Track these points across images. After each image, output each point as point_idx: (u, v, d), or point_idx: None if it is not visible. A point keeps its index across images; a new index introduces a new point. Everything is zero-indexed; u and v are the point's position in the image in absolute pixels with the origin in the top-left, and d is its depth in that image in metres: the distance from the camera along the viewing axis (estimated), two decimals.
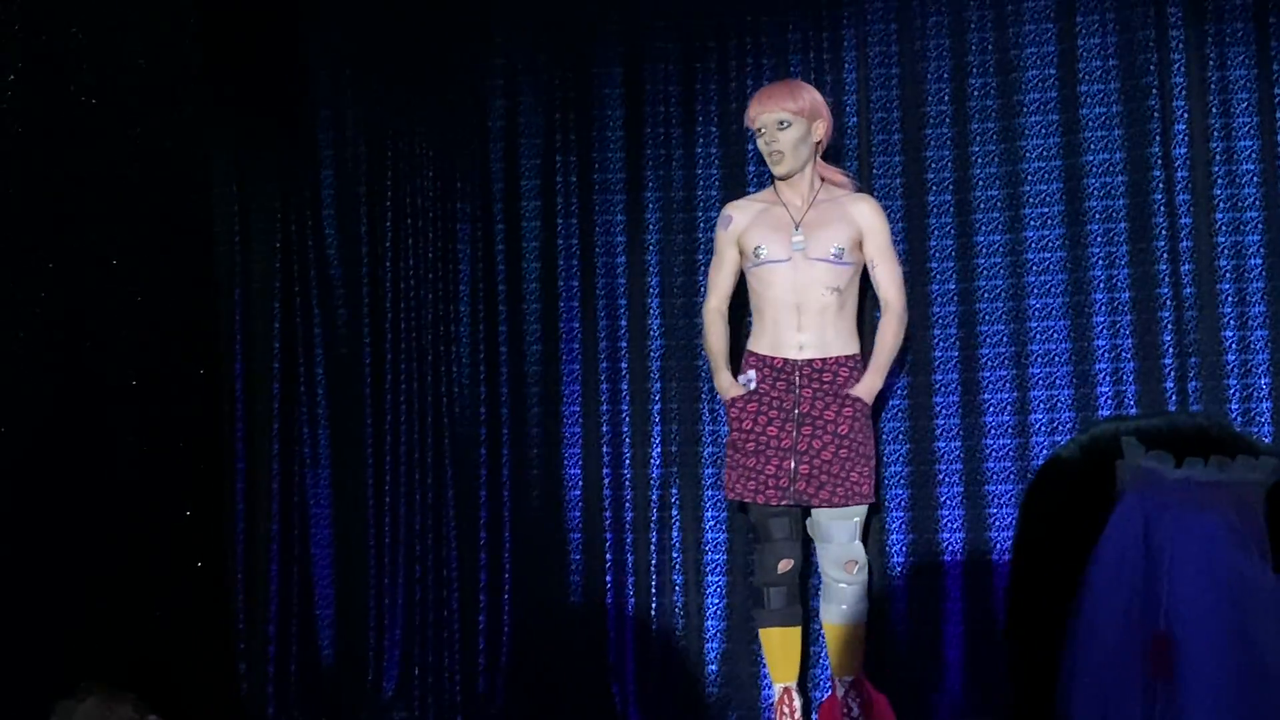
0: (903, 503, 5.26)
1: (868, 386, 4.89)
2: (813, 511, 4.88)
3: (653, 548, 5.47)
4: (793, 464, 4.81)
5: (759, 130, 4.92)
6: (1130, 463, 1.26)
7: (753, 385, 4.90)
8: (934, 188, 5.31)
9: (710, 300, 5.09)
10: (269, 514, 5.84)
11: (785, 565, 4.88)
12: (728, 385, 4.95)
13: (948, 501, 5.22)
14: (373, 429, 5.78)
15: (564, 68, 5.69)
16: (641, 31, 5.63)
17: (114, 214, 5.24)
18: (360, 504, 5.79)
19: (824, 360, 4.85)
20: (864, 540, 4.96)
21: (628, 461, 5.54)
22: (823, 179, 4.98)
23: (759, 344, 4.93)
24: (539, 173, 5.71)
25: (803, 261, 4.85)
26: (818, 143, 4.93)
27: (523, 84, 5.74)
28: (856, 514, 4.86)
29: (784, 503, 4.84)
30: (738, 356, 5.06)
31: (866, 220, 4.92)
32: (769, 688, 5.19)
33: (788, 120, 4.87)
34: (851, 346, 4.91)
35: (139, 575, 5.20)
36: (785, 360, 4.86)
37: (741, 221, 4.99)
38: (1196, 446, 1.28)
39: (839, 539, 4.84)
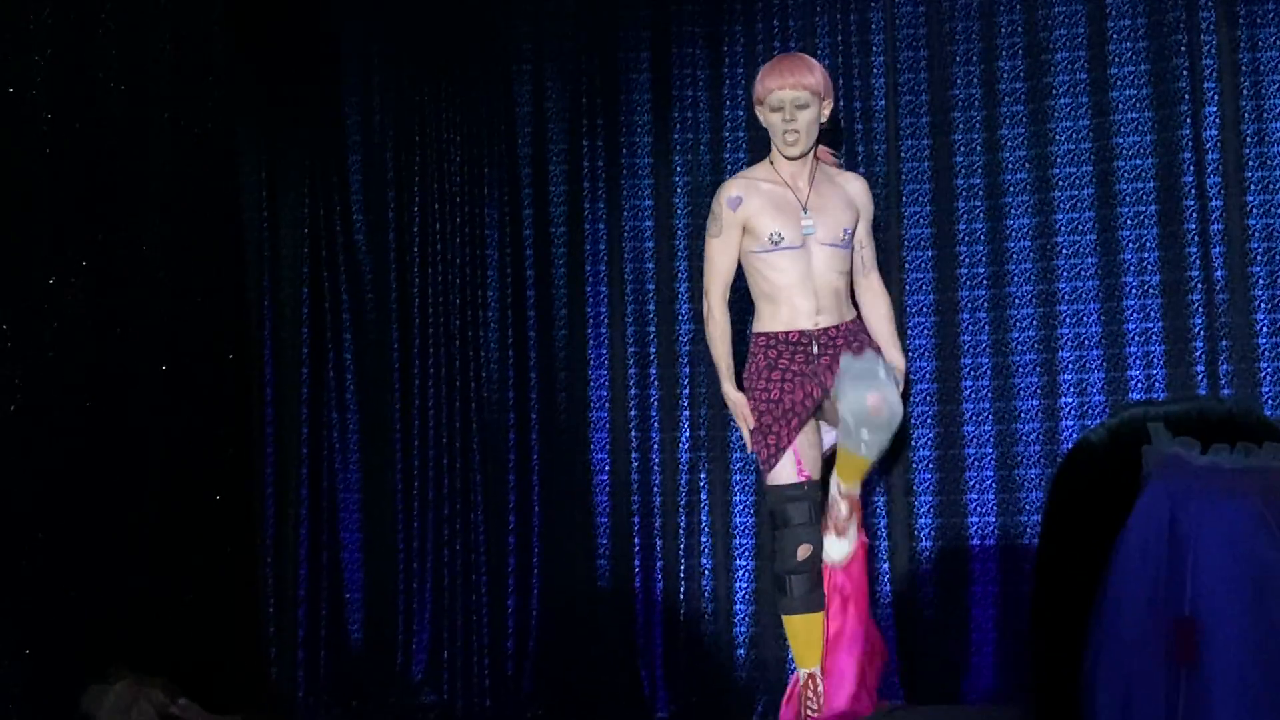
0: (931, 486, 5.25)
1: (900, 362, 4.86)
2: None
3: (681, 532, 5.47)
4: (818, 411, 4.74)
5: (774, 106, 4.76)
6: (1157, 449, 1.26)
7: (737, 208, 4.74)
8: (963, 171, 5.29)
9: (715, 290, 4.84)
10: (298, 498, 5.86)
11: (805, 551, 4.70)
12: (737, 398, 4.80)
13: (977, 485, 5.21)
14: (401, 414, 5.80)
15: (591, 52, 5.69)
16: (668, 14, 5.62)
17: (143, 201, 5.26)
18: (389, 489, 5.80)
19: (837, 327, 4.76)
20: (889, 511, 5.00)
21: (656, 446, 5.54)
22: (816, 157, 4.90)
23: (770, 324, 4.78)
24: (566, 157, 5.71)
25: (815, 246, 4.75)
26: (823, 122, 4.86)
27: (549, 68, 5.74)
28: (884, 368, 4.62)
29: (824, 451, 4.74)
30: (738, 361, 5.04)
31: (861, 200, 4.89)
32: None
33: (806, 99, 4.74)
34: (853, 311, 4.86)
35: (169, 560, 5.22)
36: (801, 332, 4.73)
37: (752, 203, 4.77)
38: (1224, 433, 1.28)
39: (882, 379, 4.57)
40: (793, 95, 4.73)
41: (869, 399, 4.49)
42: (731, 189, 4.82)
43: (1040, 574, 1.38)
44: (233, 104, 5.75)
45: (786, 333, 4.74)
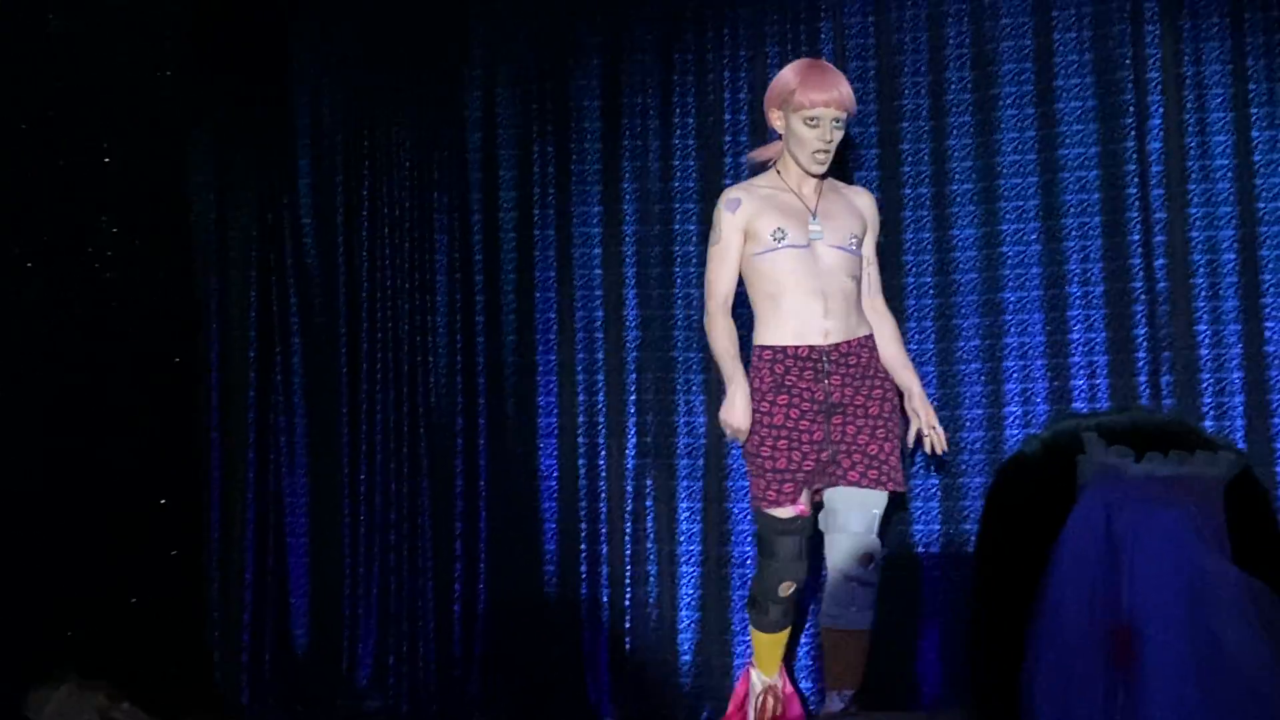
0: None
1: (914, 386, 4.69)
2: (827, 498, 4.58)
3: (627, 539, 5.48)
4: (827, 454, 4.49)
5: (809, 120, 4.50)
6: (1092, 458, 1.28)
7: (736, 210, 4.54)
8: (910, 181, 5.32)
9: (717, 296, 4.59)
10: (244, 503, 5.84)
11: (787, 588, 4.55)
12: (744, 408, 4.48)
13: (921, 493, 5.24)
14: (348, 419, 5.78)
15: (541, 58, 5.69)
16: (619, 22, 5.63)
17: (92, 203, 5.23)
18: (335, 493, 5.79)
19: (849, 343, 4.54)
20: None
21: (603, 453, 5.54)
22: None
23: (775, 335, 4.52)
24: (516, 163, 5.71)
25: (823, 248, 4.54)
26: None
27: (500, 74, 5.74)
28: (878, 504, 4.53)
29: (815, 489, 4.54)
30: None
31: (869, 214, 4.75)
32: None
33: (843, 120, 4.55)
34: (867, 327, 4.64)
35: (114, 564, 5.19)
36: (811, 348, 4.49)
37: (751, 206, 4.55)
38: (1157, 442, 1.29)
39: (855, 529, 4.49)
40: (834, 114, 4.51)
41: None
42: (730, 193, 4.63)
43: (978, 586, 1.40)
44: (183, 106, 5.72)
45: (796, 348, 4.50)
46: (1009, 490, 1.40)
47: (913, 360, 5.24)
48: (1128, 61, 5.09)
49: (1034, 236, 5.19)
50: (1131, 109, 5.08)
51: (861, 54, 5.40)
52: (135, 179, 5.43)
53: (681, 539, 5.45)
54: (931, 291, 5.29)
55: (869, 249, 4.74)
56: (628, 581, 5.47)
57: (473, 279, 5.71)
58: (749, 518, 5.39)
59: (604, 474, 5.53)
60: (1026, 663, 1.28)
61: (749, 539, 5.38)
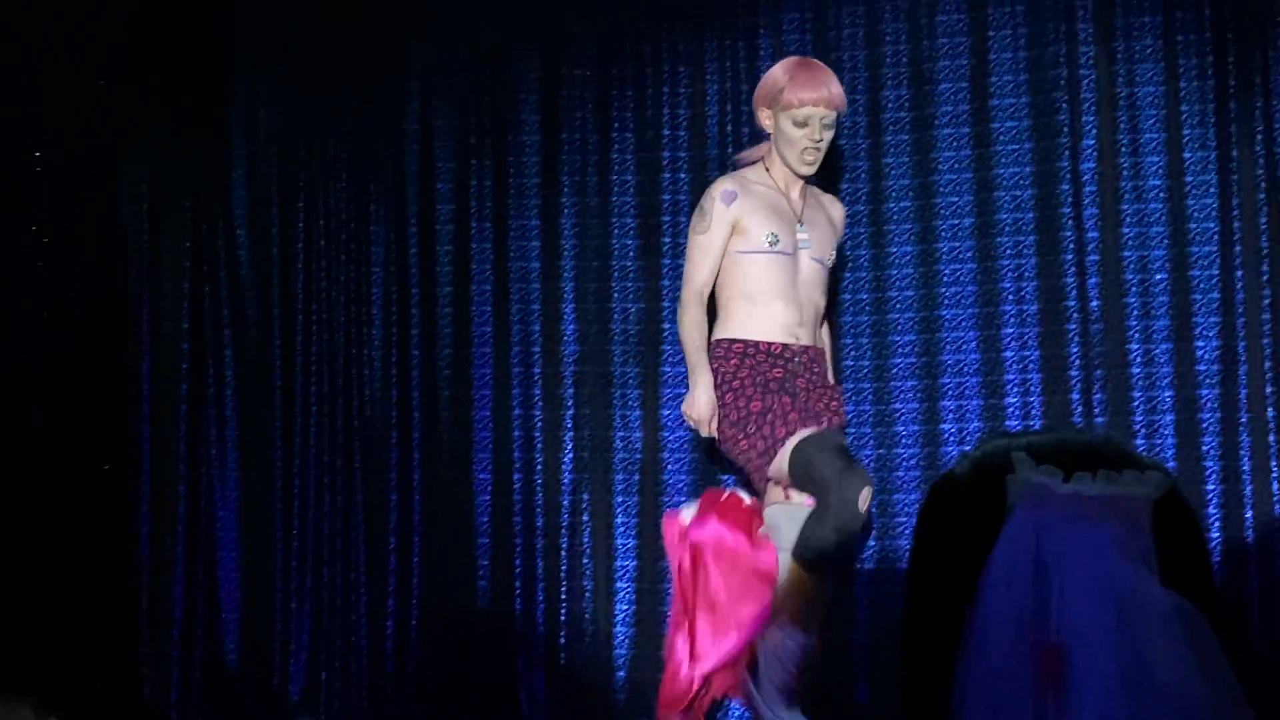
0: None
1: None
2: (768, 518, 4.34)
3: (563, 553, 5.47)
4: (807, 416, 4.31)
5: (799, 120, 4.39)
6: (1021, 478, 1.28)
7: (731, 203, 4.37)
8: (847, 198, 5.34)
9: (694, 285, 4.43)
10: (175, 516, 5.77)
11: (867, 496, 4.16)
12: (708, 401, 4.34)
13: None
14: (282, 431, 5.74)
15: (480, 71, 5.68)
16: (558, 37, 5.62)
17: (23, 211, 5.17)
18: (268, 507, 5.74)
19: (814, 349, 4.47)
20: None
21: (539, 467, 5.53)
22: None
23: (747, 329, 4.38)
24: (453, 175, 5.69)
25: (805, 259, 4.45)
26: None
27: (438, 86, 5.72)
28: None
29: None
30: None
31: (840, 226, 4.70)
32: None
33: (833, 120, 4.44)
34: (824, 341, 4.62)
35: (42, 577, 5.13)
36: (785, 345, 4.37)
37: (746, 201, 4.40)
38: (1086, 461, 1.30)
39: (785, 546, 4.25)
40: (824, 114, 4.39)
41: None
42: (726, 183, 4.45)
43: (910, 603, 1.40)
44: (117, 115, 5.67)
45: (769, 344, 4.37)
46: (940, 508, 1.41)
47: (847, 375, 5.27)
48: (1062, 82, 5.14)
49: (969, 255, 5.23)
50: (1066, 129, 5.12)
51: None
52: (67, 188, 5.38)
53: (617, 554, 5.44)
54: (868, 308, 5.32)
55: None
56: (563, 596, 5.45)
57: (409, 291, 5.69)
58: None
59: (540, 488, 5.52)
60: (958, 679, 1.28)
61: None
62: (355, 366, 5.70)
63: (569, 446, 5.52)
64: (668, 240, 5.48)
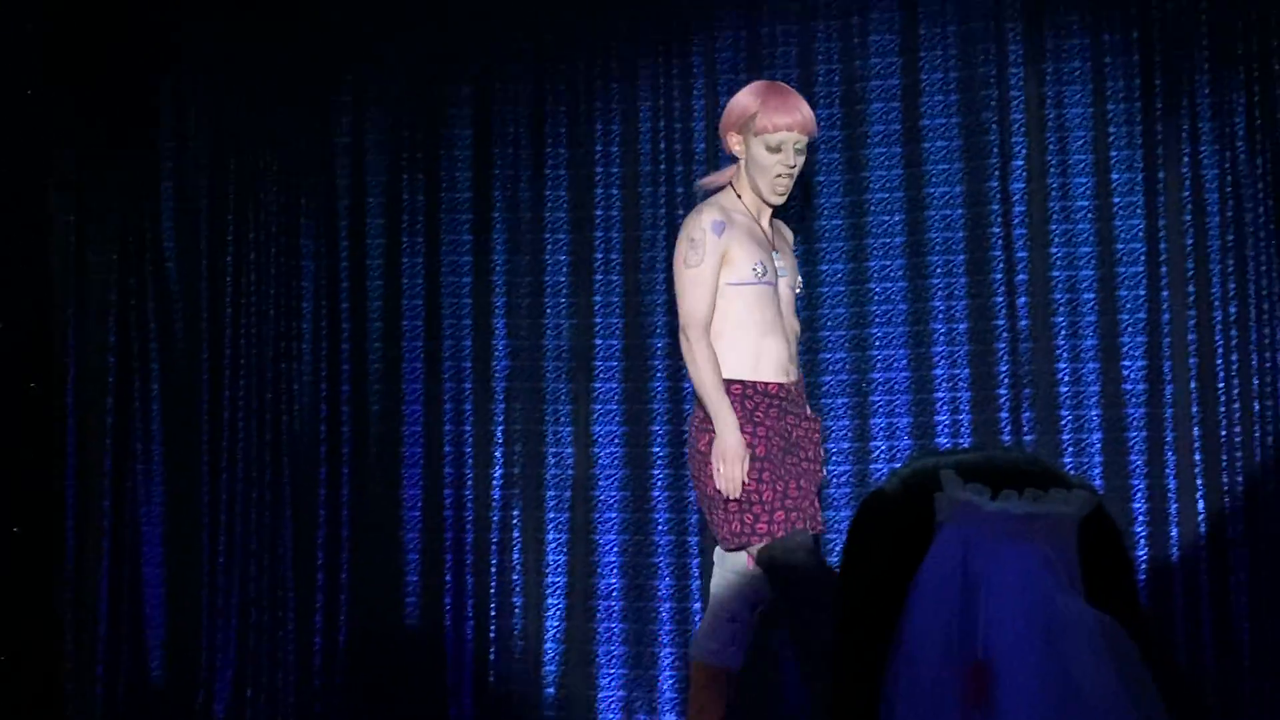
0: None
1: None
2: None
3: (493, 570, 5.45)
4: (805, 484, 4.19)
5: (773, 145, 4.24)
6: (949, 495, 1.29)
7: (721, 233, 4.20)
8: (777, 214, 5.35)
9: (699, 323, 4.19)
10: (100, 531, 5.71)
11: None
12: (737, 442, 4.08)
13: None
14: (209, 446, 5.68)
15: (413, 84, 5.66)
16: (491, 52, 5.61)
17: None
18: (195, 522, 5.68)
19: (798, 383, 4.34)
20: (701, 550, 5.02)
21: (469, 482, 5.51)
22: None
23: (744, 369, 4.20)
24: (385, 189, 5.67)
25: (783, 287, 4.33)
26: None
27: (371, 99, 5.69)
28: None
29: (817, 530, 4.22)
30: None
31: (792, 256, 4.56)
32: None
33: (804, 145, 4.31)
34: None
35: None
36: (780, 385, 4.23)
37: (732, 231, 4.22)
38: (1014, 480, 1.31)
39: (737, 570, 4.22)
40: (796, 139, 4.25)
41: None
42: (713, 214, 4.23)
43: (839, 619, 1.40)
44: (45, 125, 5.61)
45: (767, 384, 4.20)
46: (869, 526, 1.41)
47: None
48: (993, 103, 5.19)
49: (900, 273, 5.26)
50: (996, 150, 5.17)
51: (732, 88, 5.42)
52: None
53: (548, 570, 5.43)
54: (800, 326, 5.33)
55: None
56: (493, 613, 5.43)
57: (339, 305, 5.65)
58: (616, 549, 5.39)
59: (470, 504, 5.50)
60: (886, 695, 1.29)
61: (616, 570, 5.38)
62: (284, 381, 5.66)
63: (500, 463, 5.50)
64: (600, 256, 5.48)
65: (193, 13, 5.78)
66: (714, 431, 4.12)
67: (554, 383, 5.49)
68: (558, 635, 5.40)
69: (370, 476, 5.58)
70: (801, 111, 4.26)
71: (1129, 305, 5.07)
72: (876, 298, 5.27)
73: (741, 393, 4.17)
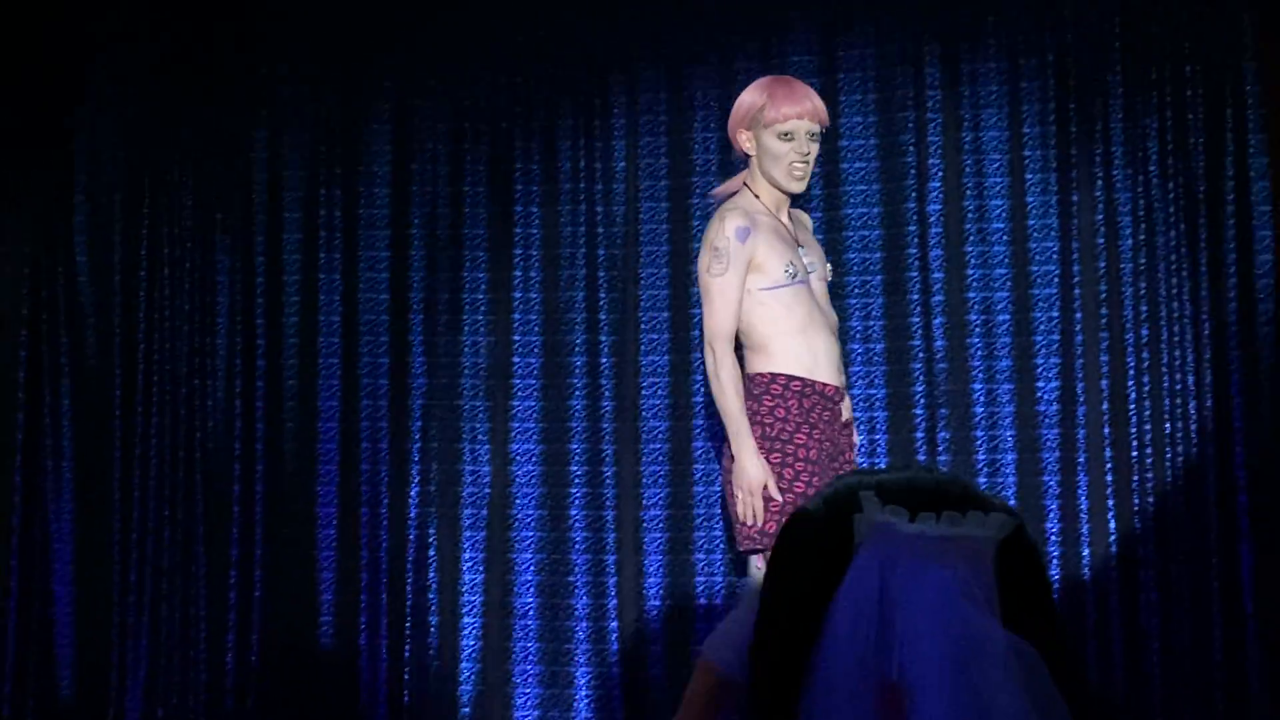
0: (660, 546, 5.29)
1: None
2: None
3: (408, 589, 5.41)
4: None
5: (783, 134, 4.15)
6: (868, 517, 1.29)
7: (746, 239, 4.10)
8: (698, 237, 5.35)
9: (723, 336, 4.07)
10: (9, 548, 5.61)
11: None
12: (757, 466, 3.96)
13: (705, 545, 5.27)
14: (121, 462, 5.60)
15: (330, 100, 5.62)
16: (410, 67, 5.59)
17: None
18: (105, 539, 5.60)
19: (841, 389, 4.22)
20: (619, 570, 4.99)
21: (385, 501, 5.46)
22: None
23: (799, 365, 4.07)
24: (302, 205, 5.62)
25: (815, 282, 4.21)
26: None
27: (288, 115, 5.64)
28: None
29: None
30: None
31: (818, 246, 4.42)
32: None
33: (818, 132, 4.20)
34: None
35: None
36: (836, 388, 4.12)
37: (759, 236, 4.11)
38: (934, 501, 1.31)
39: None
40: (808, 126, 4.15)
41: None
42: (737, 219, 4.11)
43: (759, 642, 1.40)
44: None
45: (823, 384, 4.09)
46: (791, 545, 1.41)
47: (697, 411, 5.29)
48: (910, 125, 5.23)
49: None
50: (913, 171, 5.21)
51: (653, 108, 5.45)
52: None
53: (464, 589, 5.40)
54: None
55: None
56: (408, 631, 5.39)
57: (254, 322, 5.59)
58: (533, 568, 5.37)
59: (386, 523, 5.45)
60: (802, 715, 1.29)
61: (532, 590, 5.36)
62: (198, 397, 5.60)
63: (416, 481, 5.46)
64: (519, 274, 5.47)
65: (108, 27, 5.71)
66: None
67: (471, 400, 5.47)
68: (473, 654, 5.37)
69: (285, 494, 5.52)
70: (811, 99, 4.19)
71: (1043, 327, 5.12)
72: None
73: (801, 390, 4.05)
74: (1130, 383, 5.01)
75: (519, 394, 5.42)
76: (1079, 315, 5.06)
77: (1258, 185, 4.93)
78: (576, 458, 5.39)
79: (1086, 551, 5.00)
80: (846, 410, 4.25)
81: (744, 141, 4.22)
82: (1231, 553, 4.84)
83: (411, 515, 5.45)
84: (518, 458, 5.40)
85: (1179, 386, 4.95)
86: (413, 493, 5.46)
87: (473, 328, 5.49)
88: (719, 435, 4.48)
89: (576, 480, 5.39)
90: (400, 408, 5.50)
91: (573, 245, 5.46)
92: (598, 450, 5.37)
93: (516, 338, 5.44)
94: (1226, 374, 4.91)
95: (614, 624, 5.28)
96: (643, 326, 5.38)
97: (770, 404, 4.04)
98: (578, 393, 5.41)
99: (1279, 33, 4.95)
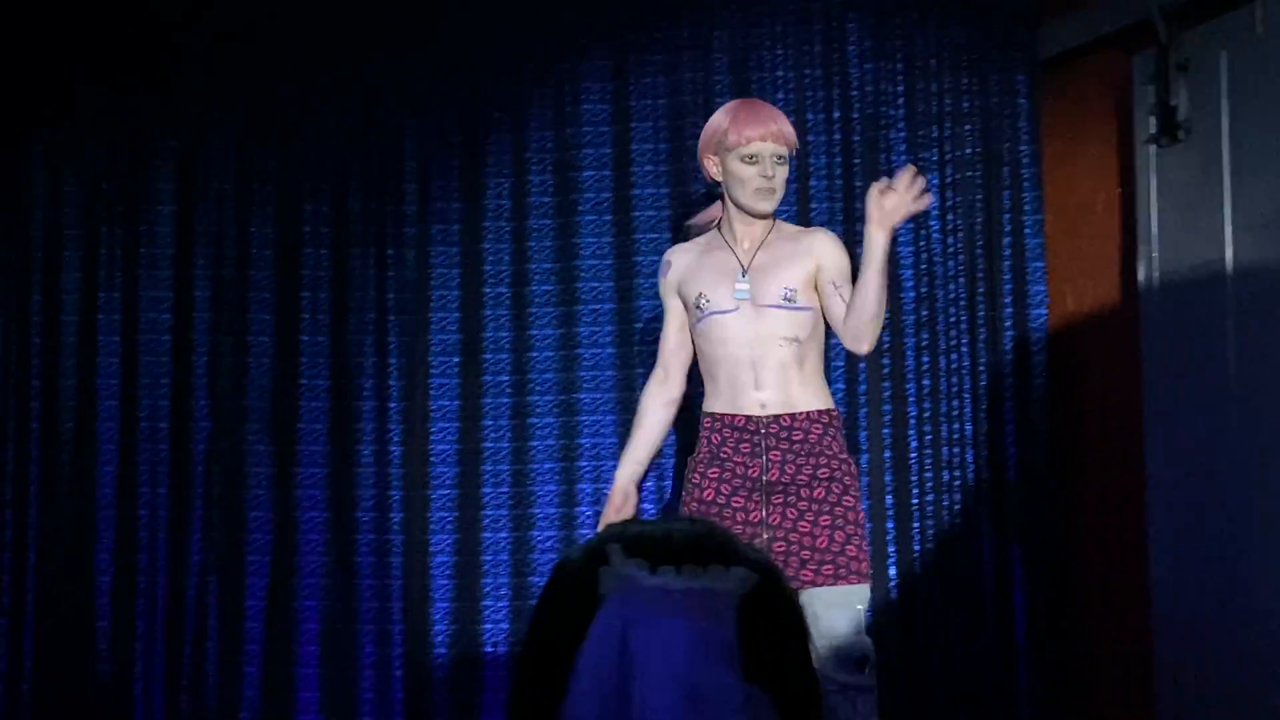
0: (448, 593, 5.27)
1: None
2: (804, 600, 3.74)
3: (187, 639, 5.28)
4: (767, 537, 3.95)
5: (747, 157, 4.07)
6: (614, 569, 1.29)
7: (666, 274, 4.19)
8: (491, 279, 5.38)
9: (656, 368, 4.25)
10: None
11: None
12: (615, 489, 4.18)
13: (492, 592, 5.25)
14: None
15: (114, 137, 5.48)
16: (198, 106, 5.49)
17: None
18: None
19: (792, 417, 4.03)
20: (405, 617, 4.95)
21: (162, 547, 5.33)
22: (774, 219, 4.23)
23: (715, 401, 4.10)
24: (82, 243, 5.46)
25: (751, 310, 4.06)
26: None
27: (69, 152, 5.49)
28: (859, 598, 3.96)
29: None
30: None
31: (821, 250, 4.13)
32: None
33: (784, 154, 4.10)
34: (823, 400, 4.09)
35: None
36: (747, 418, 4.03)
37: (680, 266, 4.16)
38: (681, 555, 1.32)
39: (843, 631, 3.91)
40: (773, 148, 4.07)
41: None
42: (666, 254, 4.29)
43: (514, 693, 1.39)
44: None
45: (733, 416, 4.04)
46: (548, 594, 1.41)
47: (486, 457, 5.27)
48: (699, 174, 5.28)
49: (609, 339, 5.31)
50: None
51: (444, 150, 5.44)
52: None
53: (246, 639, 5.29)
54: (508, 390, 5.34)
55: (824, 281, 4.11)
56: (184, 682, 5.26)
57: (29, 361, 5.42)
58: (317, 615, 5.29)
59: (164, 570, 5.32)
60: None
61: (316, 637, 5.28)
62: None
63: (198, 527, 5.34)
64: (307, 317, 5.40)
65: None
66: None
67: (255, 444, 5.37)
68: (253, 703, 5.26)
69: (59, 541, 5.35)
70: (776, 122, 4.12)
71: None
72: (585, 363, 5.31)
73: (711, 425, 4.08)
74: (911, 432, 5.11)
75: (304, 438, 5.35)
76: (863, 366, 5.15)
77: (1032, 242, 5.09)
78: (364, 503, 5.33)
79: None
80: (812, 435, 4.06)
81: (711, 168, 4.18)
82: (1005, 595, 4.97)
83: (193, 563, 5.33)
84: (303, 504, 5.33)
85: (956, 436, 5.07)
86: (194, 539, 5.33)
87: (258, 369, 5.39)
88: None
89: (364, 526, 5.33)
90: (182, 451, 5.37)
91: (362, 288, 5.40)
92: (386, 495, 5.32)
93: (304, 380, 5.37)
94: (1001, 425, 5.04)
95: (399, 673, 5.23)
96: (432, 371, 5.35)
97: (697, 445, 4.12)
98: (366, 437, 5.36)
99: (1051, 84, 5.14)
